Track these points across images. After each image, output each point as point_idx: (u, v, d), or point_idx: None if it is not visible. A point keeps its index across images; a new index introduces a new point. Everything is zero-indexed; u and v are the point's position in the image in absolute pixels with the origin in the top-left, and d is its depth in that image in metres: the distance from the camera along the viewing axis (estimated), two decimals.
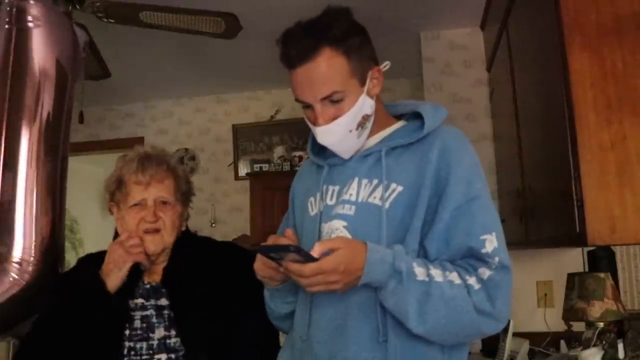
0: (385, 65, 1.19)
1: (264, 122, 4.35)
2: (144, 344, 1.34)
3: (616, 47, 1.54)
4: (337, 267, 0.99)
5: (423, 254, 1.08)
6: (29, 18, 1.62)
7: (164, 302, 1.39)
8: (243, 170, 4.36)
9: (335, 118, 1.12)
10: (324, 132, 1.13)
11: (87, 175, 6.16)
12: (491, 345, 2.46)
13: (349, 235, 1.11)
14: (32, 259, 1.54)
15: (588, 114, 1.53)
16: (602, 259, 2.50)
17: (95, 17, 2.44)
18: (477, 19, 3.08)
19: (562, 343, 2.48)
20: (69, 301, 1.39)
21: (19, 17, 1.63)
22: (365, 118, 1.15)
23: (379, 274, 1.02)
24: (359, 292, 1.07)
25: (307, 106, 1.14)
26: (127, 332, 1.35)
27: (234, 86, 4.29)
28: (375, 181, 1.14)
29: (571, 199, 1.55)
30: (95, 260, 1.50)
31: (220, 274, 1.43)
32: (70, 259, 4.91)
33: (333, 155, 1.21)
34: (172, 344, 1.34)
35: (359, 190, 1.14)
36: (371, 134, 1.19)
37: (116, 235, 1.49)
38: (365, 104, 1.14)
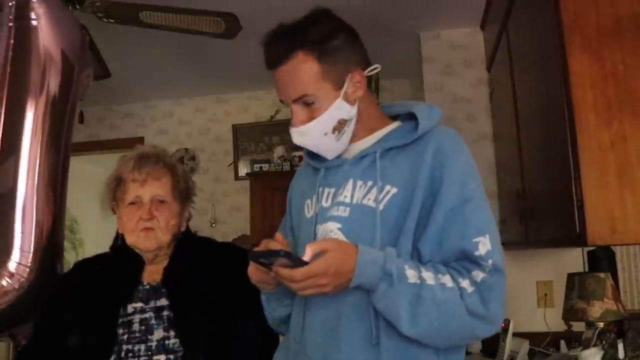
0: (374, 69, 1.18)
1: (264, 122, 4.35)
2: (142, 346, 1.34)
3: (616, 48, 1.54)
4: (327, 270, 0.99)
5: (417, 256, 1.08)
6: (33, 15, 1.62)
7: (163, 302, 1.39)
8: (243, 170, 4.36)
9: (309, 120, 1.13)
10: (296, 133, 1.16)
11: (87, 175, 6.16)
12: (491, 345, 2.46)
13: (343, 237, 1.11)
14: (29, 262, 1.53)
15: (588, 114, 1.53)
16: (602, 259, 2.50)
17: (95, 17, 2.44)
18: (477, 19, 3.08)
19: (562, 343, 2.48)
20: (66, 304, 1.40)
21: (22, 13, 1.63)
22: (342, 122, 1.14)
23: (369, 277, 1.02)
24: (352, 294, 1.07)
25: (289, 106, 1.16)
26: (125, 336, 1.35)
27: (234, 86, 4.29)
28: (369, 183, 1.14)
29: (571, 200, 1.55)
30: (91, 264, 1.51)
31: (220, 275, 1.43)
32: (70, 259, 4.92)
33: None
34: (171, 345, 1.34)
35: (354, 192, 1.14)
36: (364, 135, 1.20)
37: (117, 235, 1.49)
38: (341, 109, 1.13)
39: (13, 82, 1.55)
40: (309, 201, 1.23)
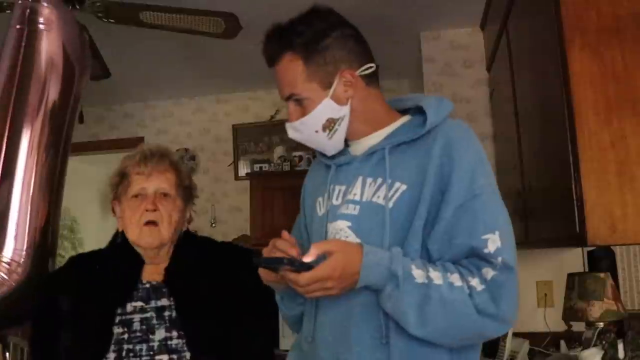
0: (368, 68, 1.17)
1: (264, 122, 4.34)
2: (144, 346, 1.33)
3: (616, 47, 1.54)
4: (332, 274, 0.99)
5: (426, 254, 1.07)
6: (41, 20, 1.63)
7: (164, 302, 1.39)
8: (243, 170, 4.36)
9: (302, 117, 1.16)
10: (289, 128, 1.19)
11: (87, 175, 6.16)
12: (491, 345, 2.45)
13: (353, 235, 1.11)
14: (22, 260, 1.53)
15: (588, 113, 1.53)
16: (602, 259, 2.49)
17: (95, 17, 2.44)
18: (477, 19, 3.08)
19: (562, 343, 2.48)
20: (60, 299, 1.40)
21: (31, 18, 1.64)
22: (331, 121, 1.15)
23: (375, 278, 1.01)
24: (362, 294, 1.06)
25: None
26: (125, 335, 1.34)
27: (234, 86, 4.29)
28: (379, 180, 1.12)
29: (571, 199, 1.55)
30: (86, 260, 1.51)
31: (223, 275, 1.43)
32: None
33: (340, 154, 1.21)
34: (173, 345, 1.34)
35: (363, 190, 1.14)
36: (374, 131, 1.19)
37: (116, 234, 1.49)
38: (329, 108, 1.14)
39: (18, 93, 1.57)
40: (320, 199, 1.23)
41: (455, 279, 1.02)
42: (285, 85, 1.16)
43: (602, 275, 2.20)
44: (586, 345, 2.06)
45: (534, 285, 2.80)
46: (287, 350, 1.34)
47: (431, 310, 1.01)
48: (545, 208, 1.96)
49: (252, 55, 3.52)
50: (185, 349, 1.33)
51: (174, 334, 1.35)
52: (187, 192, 1.49)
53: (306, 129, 1.17)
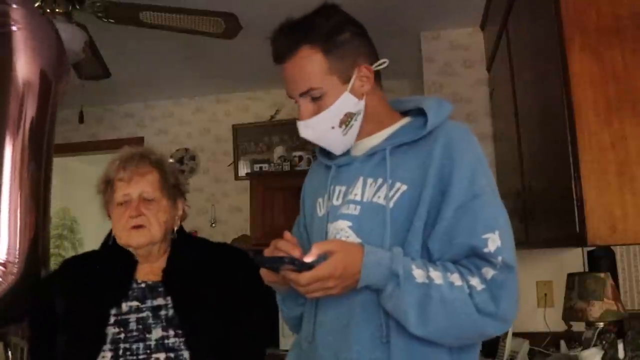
0: (382, 63, 1.18)
1: (264, 122, 4.35)
2: (141, 345, 1.34)
3: (616, 47, 1.54)
4: (333, 273, 0.99)
5: (427, 254, 1.07)
6: (11, 22, 1.59)
7: (160, 301, 1.39)
8: (243, 170, 4.36)
9: (315, 114, 1.14)
10: (303, 126, 1.16)
11: (87, 175, 6.14)
12: (491, 345, 2.46)
13: (353, 235, 1.11)
14: (16, 260, 1.52)
15: (588, 114, 1.53)
16: (602, 259, 2.50)
17: (95, 17, 2.44)
18: (477, 19, 3.08)
19: (562, 343, 2.48)
20: (55, 301, 1.40)
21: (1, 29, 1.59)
22: (349, 116, 1.14)
23: (376, 277, 1.02)
24: (362, 293, 1.07)
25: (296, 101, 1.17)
26: (121, 335, 1.35)
27: (234, 86, 4.29)
28: (379, 180, 1.13)
29: (571, 199, 1.55)
30: (80, 262, 1.51)
31: (219, 275, 1.43)
32: None
33: (340, 155, 1.21)
34: (170, 344, 1.34)
35: (364, 190, 1.14)
36: (374, 131, 1.19)
37: (109, 236, 1.49)
38: (348, 102, 1.14)
39: None
40: (320, 199, 1.23)
41: (456, 278, 1.02)
42: (301, 79, 1.13)
43: (602, 275, 2.20)
44: (586, 345, 2.06)
45: (534, 285, 2.80)
46: (287, 350, 1.34)
47: (432, 310, 1.01)
48: (545, 208, 1.96)
49: (252, 55, 3.53)
50: (183, 347, 1.34)
51: (171, 332, 1.35)
52: (174, 191, 1.47)
53: (321, 126, 1.15)
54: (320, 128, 1.15)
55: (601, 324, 2.10)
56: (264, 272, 1.15)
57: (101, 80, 3.04)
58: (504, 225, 1.07)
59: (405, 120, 1.22)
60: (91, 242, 5.98)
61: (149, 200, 1.41)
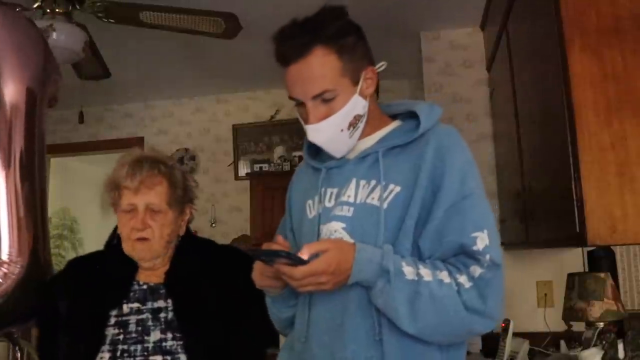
0: (381, 66, 1.19)
1: (264, 122, 4.35)
2: (139, 346, 1.34)
3: (616, 48, 1.54)
4: (326, 269, 1.01)
5: (417, 253, 1.09)
6: None
7: (161, 304, 1.39)
8: (243, 170, 4.36)
9: (326, 117, 1.13)
10: (314, 130, 1.14)
11: (87, 175, 6.16)
12: (491, 345, 2.46)
13: (347, 237, 1.12)
14: (18, 261, 1.52)
15: (588, 114, 1.53)
16: (602, 259, 2.50)
17: (95, 17, 2.44)
18: (477, 19, 3.08)
19: (562, 343, 2.48)
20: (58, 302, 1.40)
21: None
22: (357, 118, 1.15)
23: (367, 274, 1.04)
24: (355, 290, 1.08)
25: (300, 104, 1.15)
26: (120, 336, 1.35)
27: (234, 86, 4.29)
28: (373, 182, 1.14)
29: (571, 199, 1.55)
30: (84, 263, 1.51)
31: (223, 278, 1.42)
32: (71, 258, 4.89)
33: (330, 157, 1.21)
34: (168, 347, 1.34)
35: (357, 192, 1.15)
36: (367, 134, 1.20)
37: (113, 235, 1.48)
38: (357, 104, 1.14)
39: None
40: (310, 201, 1.23)
41: (444, 276, 1.04)
42: (315, 81, 1.10)
43: (602, 275, 2.20)
44: (586, 345, 2.06)
45: (534, 285, 2.80)
46: None
47: (421, 307, 1.03)
48: (545, 208, 1.96)
49: (252, 55, 3.53)
50: (180, 350, 1.33)
51: (169, 335, 1.35)
52: (181, 201, 1.46)
53: (332, 129, 1.14)
54: (330, 131, 1.14)
55: (601, 324, 2.10)
56: (256, 275, 1.16)
57: (101, 80, 3.04)
58: (492, 225, 1.10)
59: (397, 123, 1.24)
60: (91, 242, 5.99)
61: (155, 212, 1.39)
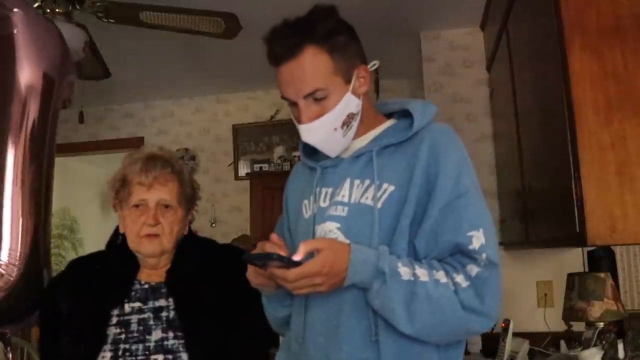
0: (374, 65, 1.19)
1: (264, 122, 4.35)
2: (140, 346, 1.34)
3: (616, 47, 1.54)
4: (320, 271, 1.00)
5: (412, 252, 1.08)
6: (12, 26, 1.58)
7: (162, 303, 1.39)
8: (243, 170, 4.36)
9: (318, 116, 1.12)
10: (307, 130, 1.14)
11: (87, 175, 6.17)
12: (491, 345, 2.46)
13: (342, 237, 1.12)
14: (17, 262, 1.52)
15: (588, 113, 1.53)
16: (602, 259, 2.50)
17: (95, 17, 2.44)
18: (477, 19, 3.08)
19: (562, 343, 2.48)
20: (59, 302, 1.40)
21: (2, 33, 1.58)
22: (351, 117, 1.15)
23: (363, 275, 1.03)
24: (352, 291, 1.08)
25: (293, 104, 1.15)
26: (122, 335, 1.35)
27: (234, 86, 4.29)
28: (367, 181, 1.14)
29: (571, 199, 1.55)
30: (85, 263, 1.50)
31: (224, 278, 1.42)
32: (70, 259, 4.91)
33: (325, 156, 1.21)
34: (169, 346, 1.34)
35: (351, 191, 1.15)
36: (361, 134, 1.20)
37: (115, 233, 1.49)
38: (350, 103, 1.14)
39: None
40: (306, 201, 1.23)
41: (441, 275, 1.04)
42: (306, 80, 1.10)
43: (602, 275, 2.20)
44: (586, 345, 2.06)
45: (534, 285, 2.80)
46: None
47: (418, 307, 1.02)
48: (545, 208, 1.96)
49: (252, 55, 3.52)
50: (181, 349, 1.33)
51: (170, 334, 1.35)
52: (190, 200, 1.47)
53: (325, 128, 1.14)
54: (323, 130, 1.14)
55: (601, 324, 2.10)
56: (250, 274, 1.16)
57: (101, 80, 3.03)
58: (488, 224, 1.09)
59: (390, 122, 1.23)
60: (91, 242, 5.99)
61: (166, 207, 1.39)
